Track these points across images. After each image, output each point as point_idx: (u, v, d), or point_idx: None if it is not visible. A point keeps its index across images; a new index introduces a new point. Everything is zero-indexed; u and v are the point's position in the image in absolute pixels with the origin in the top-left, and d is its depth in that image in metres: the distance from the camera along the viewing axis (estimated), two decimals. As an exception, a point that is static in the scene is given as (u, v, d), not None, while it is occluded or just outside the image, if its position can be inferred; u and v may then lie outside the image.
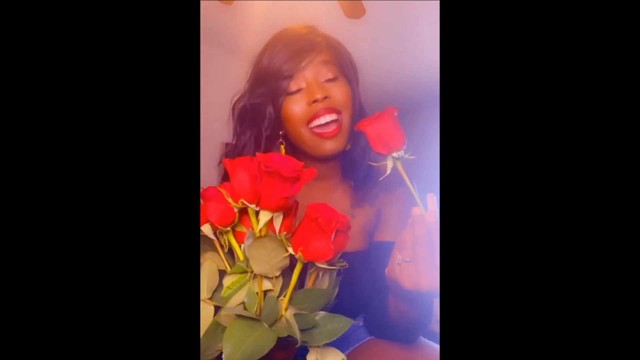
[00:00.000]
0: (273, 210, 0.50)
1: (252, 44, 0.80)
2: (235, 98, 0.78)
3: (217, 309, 0.57)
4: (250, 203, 0.51)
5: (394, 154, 0.52)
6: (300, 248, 0.48)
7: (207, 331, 0.56)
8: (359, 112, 0.76)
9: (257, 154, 0.50)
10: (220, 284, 0.58)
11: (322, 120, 0.69)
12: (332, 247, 0.49)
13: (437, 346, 0.64)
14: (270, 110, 0.73)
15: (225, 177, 0.77)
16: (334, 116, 0.69)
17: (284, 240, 0.51)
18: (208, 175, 0.77)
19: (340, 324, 0.54)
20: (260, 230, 0.51)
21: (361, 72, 0.80)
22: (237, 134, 0.77)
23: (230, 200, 0.52)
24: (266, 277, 0.53)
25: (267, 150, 0.76)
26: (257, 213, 0.52)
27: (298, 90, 0.70)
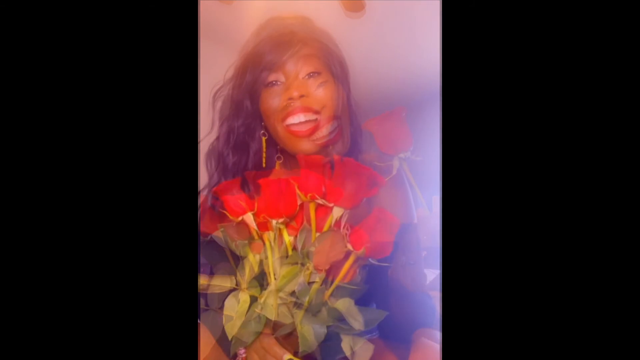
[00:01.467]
0: (348, 208, 0.54)
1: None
2: (217, 87, 0.74)
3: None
4: (317, 198, 0.55)
5: (401, 155, 0.54)
6: (367, 245, 0.53)
7: (244, 321, 0.56)
8: (348, 113, 0.71)
9: (337, 157, 0.53)
10: (260, 273, 0.59)
11: (296, 119, 0.65)
12: (392, 247, 0.55)
13: (437, 346, 0.67)
14: (247, 104, 0.68)
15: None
16: (310, 116, 0.65)
17: (345, 237, 0.55)
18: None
19: (374, 315, 0.59)
20: (327, 225, 0.55)
21: (354, 74, 0.74)
22: (217, 125, 0.73)
23: (300, 193, 0.54)
24: (317, 269, 0.56)
25: (236, 146, 0.71)
26: (316, 208, 0.56)
27: (275, 83, 0.66)
